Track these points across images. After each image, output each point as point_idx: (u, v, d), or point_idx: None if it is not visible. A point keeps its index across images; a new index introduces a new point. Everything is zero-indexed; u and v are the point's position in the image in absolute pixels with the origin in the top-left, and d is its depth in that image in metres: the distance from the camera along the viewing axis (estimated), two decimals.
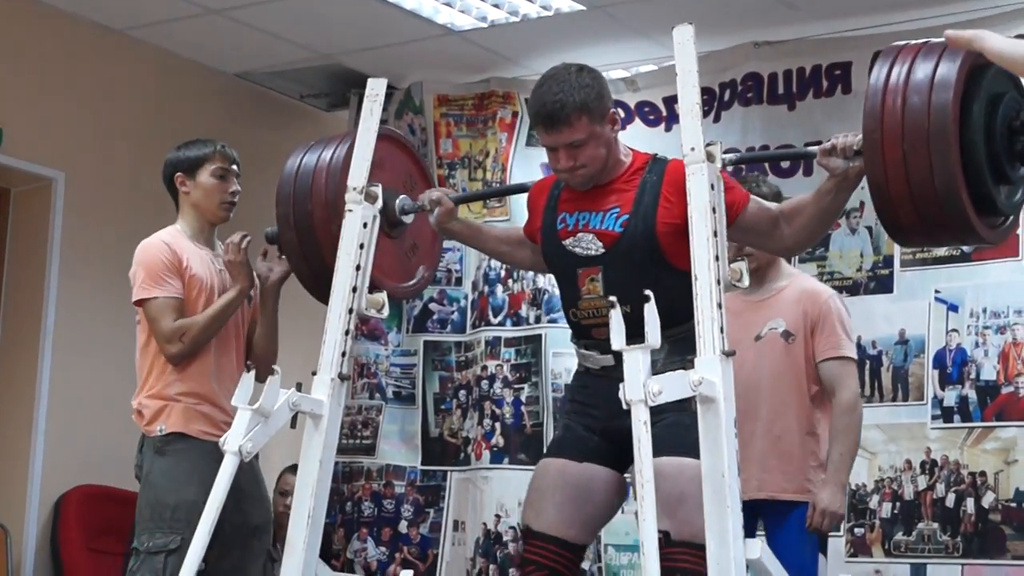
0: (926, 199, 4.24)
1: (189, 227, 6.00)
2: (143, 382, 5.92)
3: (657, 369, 4.28)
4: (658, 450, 4.31)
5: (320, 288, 5.20)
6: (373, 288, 5.18)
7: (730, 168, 4.74)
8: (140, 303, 5.84)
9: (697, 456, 4.28)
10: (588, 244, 4.90)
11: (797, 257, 7.36)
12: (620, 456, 4.90)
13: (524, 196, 6.93)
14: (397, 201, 5.41)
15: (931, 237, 4.60)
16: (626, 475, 4.98)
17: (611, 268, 4.81)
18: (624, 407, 4.14)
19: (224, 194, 5.99)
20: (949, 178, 4.20)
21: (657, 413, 4.19)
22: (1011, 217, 4.60)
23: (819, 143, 7.26)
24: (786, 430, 5.83)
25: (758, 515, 5.62)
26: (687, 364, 4.29)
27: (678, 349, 4.43)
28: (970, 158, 4.25)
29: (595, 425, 4.97)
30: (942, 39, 4.26)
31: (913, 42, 4.47)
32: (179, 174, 6.02)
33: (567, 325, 5.10)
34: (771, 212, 4.84)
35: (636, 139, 7.88)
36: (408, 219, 5.46)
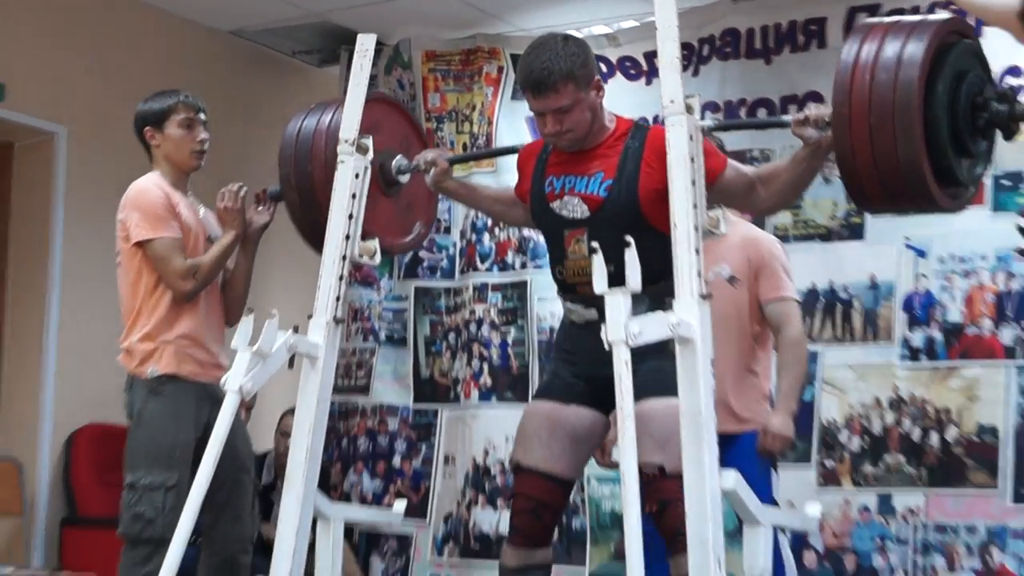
0: (890, 170, 4.29)
1: (166, 176, 6.01)
2: (132, 323, 5.95)
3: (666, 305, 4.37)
4: (646, 393, 4.49)
5: (319, 242, 5.20)
6: (366, 237, 5.20)
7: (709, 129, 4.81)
8: (141, 244, 5.85)
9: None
10: (574, 207, 4.96)
11: None
12: (604, 400, 4.89)
13: (509, 139, 7.09)
14: (393, 161, 5.47)
15: (894, 205, 4.59)
16: (611, 416, 5.02)
17: (595, 230, 4.84)
18: (607, 347, 4.17)
19: (193, 143, 6.02)
20: (912, 151, 4.24)
21: (640, 359, 4.23)
22: (972, 188, 4.65)
23: (795, 96, 7.47)
24: (729, 369, 5.89)
25: None
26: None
27: (658, 304, 4.44)
28: (933, 132, 4.29)
29: (580, 373, 5.05)
30: (914, 18, 4.41)
31: (884, 20, 4.50)
32: (148, 128, 6.06)
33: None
34: (748, 176, 4.90)
35: (618, 93, 7.93)
36: (404, 179, 5.51)
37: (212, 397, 5.29)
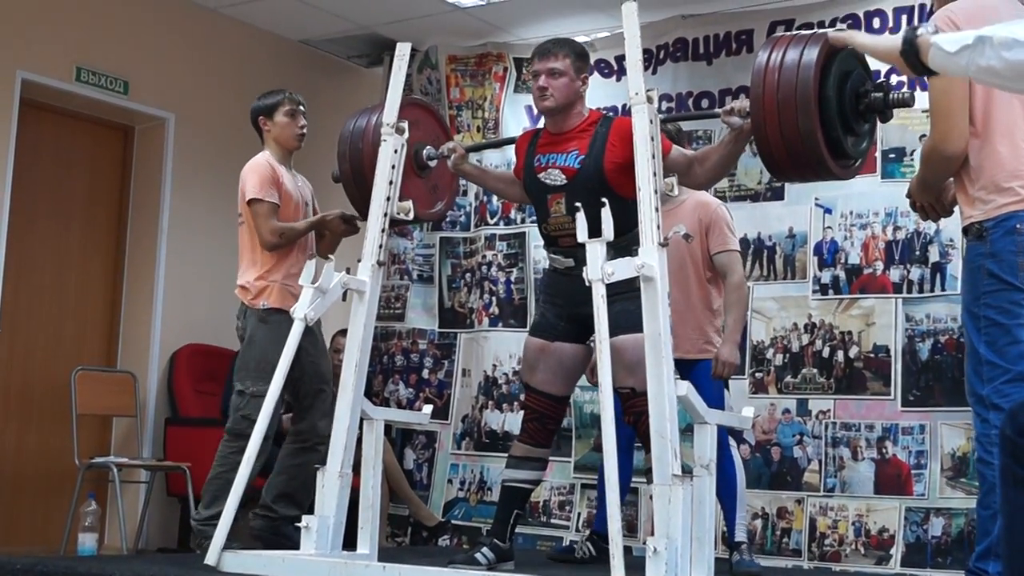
0: (793, 146, 4.38)
1: (274, 154, 6.16)
2: (249, 266, 6.07)
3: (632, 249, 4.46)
4: (617, 330, 4.56)
5: (365, 207, 5.29)
6: (402, 200, 5.31)
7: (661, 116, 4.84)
8: (251, 202, 5.97)
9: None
10: (555, 177, 5.08)
11: None
12: (582, 333, 5.13)
13: (512, 123, 7.18)
14: (425, 150, 5.56)
15: (798, 173, 4.69)
16: (589, 342, 5.12)
17: (571, 194, 4.94)
18: (586, 284, 4.22)
19: (295, 128, 6.20)
20: (810, 131, 4.34)
21: (611, 302, 4.26)
22: (859, 160, 4.71)
23: (729, 90, 7.44)
24: (689, 307, 5.94)
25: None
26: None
27: (623, 253, 4.44)
28: (826, 116, 4.39)
29: (562, 313, 5.16)
30: (809, 32, 4.55)
31: (788, 33, 4.66)
32: (261, 117, 6.23)
33: None
34: (687, 156, 5.00)
35: (594, 88, 7.82)
36: (433, 164, 5.60)
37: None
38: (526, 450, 5.21)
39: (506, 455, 5.36)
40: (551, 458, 5.69)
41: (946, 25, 4.11)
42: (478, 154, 7.24)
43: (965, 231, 4.19)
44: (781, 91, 4.35)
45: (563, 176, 5.05)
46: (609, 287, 4.23)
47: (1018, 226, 4.00)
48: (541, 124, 5.35)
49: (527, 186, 5.26)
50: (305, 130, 6.23)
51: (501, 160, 7.81)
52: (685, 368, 5.73)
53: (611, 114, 5.51)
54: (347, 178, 5.58)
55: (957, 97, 4.11)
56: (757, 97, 4.42)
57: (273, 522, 5.99)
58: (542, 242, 5.26)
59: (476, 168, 5.74)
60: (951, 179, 4.34)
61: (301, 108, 6.24)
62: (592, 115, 5.16)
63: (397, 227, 7.13)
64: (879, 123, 4.72)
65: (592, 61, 7.92)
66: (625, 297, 4.62)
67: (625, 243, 4.53)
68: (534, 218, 5.63)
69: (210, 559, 4.74)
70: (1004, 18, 4.16)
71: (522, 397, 5.58)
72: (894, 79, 6.68)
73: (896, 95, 4.48)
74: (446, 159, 5.48)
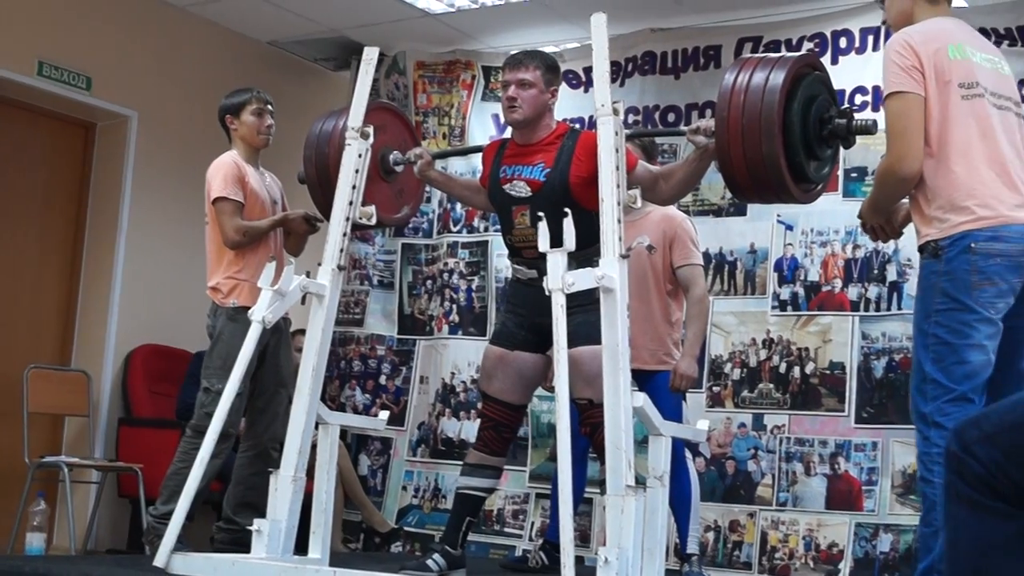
0: (756, 169, 4.39)
1: (241, 153, 6.21)
2: (217, 265, 6.13)
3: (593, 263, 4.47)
4: (576, 341, 4.54)
5: (330, 211, 5.24)
6: (365, 205, 5.30)
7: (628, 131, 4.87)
8: (216, 200, 6.02)
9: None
10: (520, 188, 5.09)
11: None
12: (542, 343, 5.10)
13: (478, 131, 7.19)
14: (391, 155, 5.56)
15: (760, 196, 4.69)
16: (549, 352, 5.09)
17: (536, 206, 4.93)
18: (547, 293, 4.22)
19: (262, 126, 6.25)
20: (773, 155, 4.35)
21: (571, 314, 4.27)
22: (820, 185, 4.74)
23: (696, 104, 7.50)
24: (649, 317, 5.96)
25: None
26: None
27: (585, 264, 4.42)
28: (789, 139, 4.39)
29: (523, 322, 5.17)
30: (777, 55, 4.63)
31: (756, 55, 4.65)
32: (228, 115, 6.28)
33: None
34: (653, 172, 5.03)
35: (562, 98, 7.79)
36: (399, 169, 5.59)
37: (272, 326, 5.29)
38: (481, 458, 5.22)
39: (461, 463, 5.38)
40: (506, 467, 5.72)
41: (904, 49, 4.19)
42: (444, 161, 7.27)
43: (921, 249, 4.21)
44: (746, 113, 4.36)
45: (528, 188, 5.07)
46: (570, 298, 4.23)
47: (972, 245, 4.03)
48: (508, 134, 5.36)
49: (492, 196, 5.27)
50: (272, 129, 6.27)
51: (467, 168, 7.84)
52: (643, 379, 5.77)
53: (578, 127, 5.52)
54: (312, 182, 5.58)
55: (913, 119, 4.14)
56: (722, 119, 4.43)
57: (237, 534, 5.96)
58: (505, 251, 5.29)
59: (442, 175, 5.73)
60: (902, 200, 4.38)
61: (269, 107, 6.27)
62: (560, 128, 5.17)
63: (359, 231, 7.17)
64: (842, 148, 4.75)
65: (560, 72, 8.00)
66: (586, 309, 4.63)
67: (588, 255, 4.53)
68: (497, 227, 5.66)
69: (159, 561, 4.71)
70: (957, 40, 4.25)
71: (479, 405, 5.61)
72: (859, 99, 6.77)
73: (859, 122, 4.51)
74: (412, 164, 5.48)
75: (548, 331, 4.34)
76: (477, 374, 7.76)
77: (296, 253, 6.23)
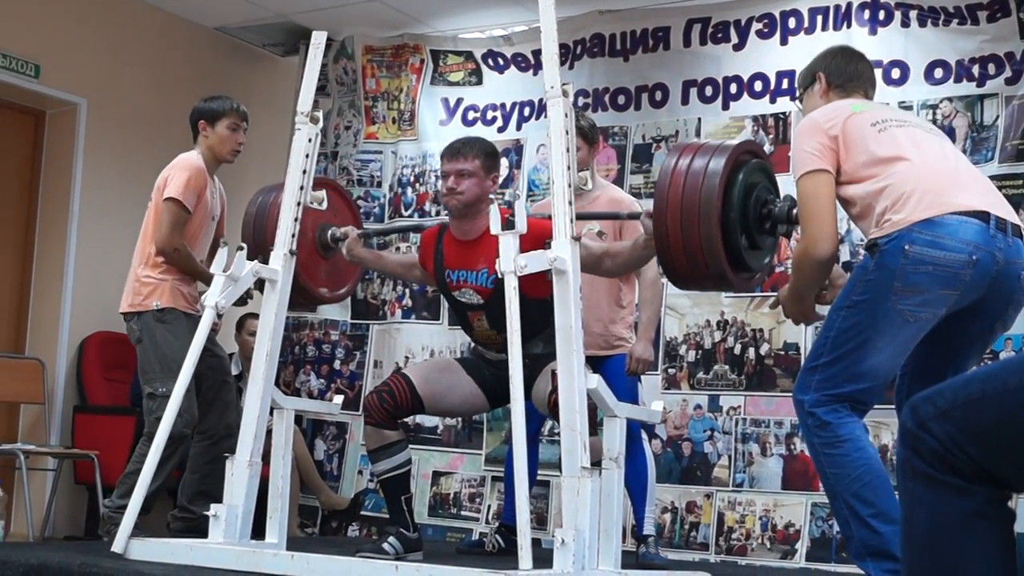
0: (695, 260, 4.32)
1: (204, 160, 6.10)
2: (146, 258, 6.04)
3: (540, 356, 5.00)
4: (543, 363, 4.97)
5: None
6: (309, 270, 5.52)
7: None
8: (169, 199, 5.93)
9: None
10: (471, 297, 5.20)
11: (630, 168, 7.41)
12: (496, 397, 5.30)
13: (428, 115, 7.13)
14: (329, 231, 5.60)
15: (699, 285, 4.59)
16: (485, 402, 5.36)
17: (490, 310, 5.09)
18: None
19: (234, 144, 6.16)
20: (712, 246, 4.27)
21: (536, 367, 4.66)
22: (761, 273, 4.75)
23: (645, 86, 7.48)
24: (599, 303, 5.94)
25: None
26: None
27: (549, 341, 4.51)
28: (729, 230, 4.32)
29: (489, 378, 5.27)
30: (717, 142, 4.49)
31: (696, 141, 4.67)
32: (202, 121, 6.16)
33: None
34: (599, 249, 5.03)
35: (512, 81, 8.00)
36: (337, 245, 5.61)
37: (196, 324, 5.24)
38: (379, 439, 5.20)
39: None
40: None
41: (808, 132, 4.16)
42: (394, 142, 7.19)
43: (867, 248, 4.13)
44: (685, 200, 4.28)
45: (479, 296, 5.15)
46: (535, 357, 4.68)
47: (907, 247, 3.89)
48: (444, 210, 5.33)
49: (446, 298, 5.40)
50: (242, 148, 6.21)
51: (416, 152, 7.84)
52: (597, 364, 5.76)
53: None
54: (248, 227, 5.58)
55: (823, 198, 4.07)
56: (660, 208, 4.35)
57: (192, 522, 5.95)
58: None
59: (372, 253, 5.76)
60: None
61: (244, 124, 6.20)
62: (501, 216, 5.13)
63: None
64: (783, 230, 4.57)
65: (509, 55, 8.01)
66: (548, 358, 4.76)
67: (550, 332, 4.44)
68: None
69: (117, 547, 4.71)
70: (858, 104, 4.27)
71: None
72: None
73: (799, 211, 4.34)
74: (340, 244, 5.54)
75: (506, 393, 4.29)
76: (431, 358, 7.76)
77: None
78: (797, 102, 4.68)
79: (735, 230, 4.33)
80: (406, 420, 5.38)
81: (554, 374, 4.79)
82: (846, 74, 4.47)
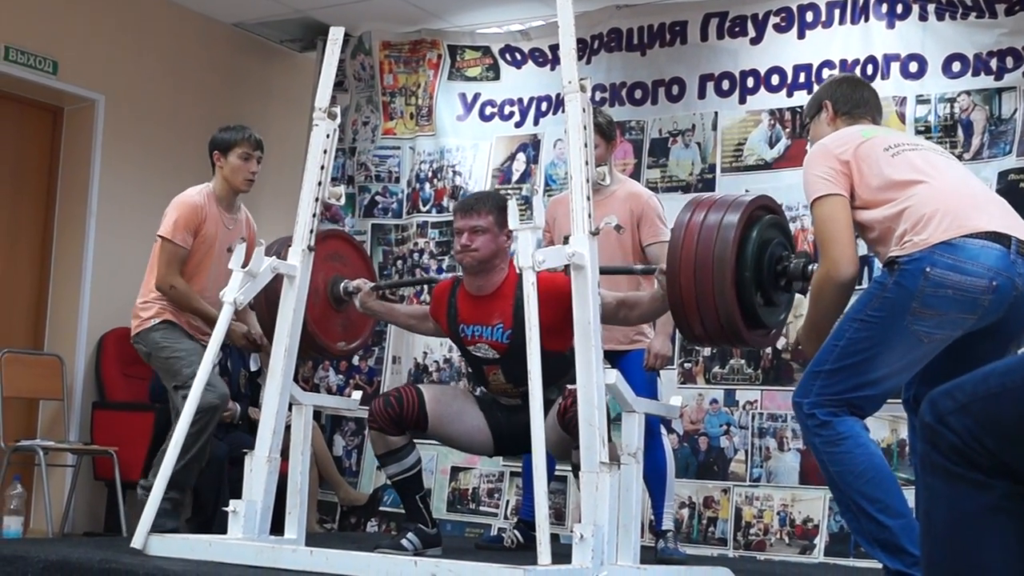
0: (709, 318, 4.29)
1: (218, 190, 6.19)
2: (147, 292, 6.13)
3: (553, 401, 4.91)
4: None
5: (273, 332, 5.15)
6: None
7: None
8: (161, 238, 6.02)
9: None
10: (486, 351, 5.17)
11: (647, 162, 7.40)
12: (501, 443, 5.35)
13: (446, 111, 7.10)
14: (342, 284, 5.59)
15: (713, 343, 4.69)
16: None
17: (506, 364, 5.11)
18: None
19: (246, 172, 6.18)
20: (726, 304, 4.25)
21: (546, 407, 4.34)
22: (775, 330, 4.67)
23: (662, 80, 7.46)
24: None
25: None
26: None
27: (561, 391, 4.72)
28: (743, 290, 4.30)
29: (500, 422, 5.30)
30: (733, 196, 4.48)
31: (711, 195, 4.58)
32: (216, 151, 6.20)
33: None
34: (616, 299, 4.94)
35: (530, 76, 8.00)
36: (349, 298, 5.60)
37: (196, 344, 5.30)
38: (385, 445, 5.22)
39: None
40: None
41: (819, 157, 4.16)
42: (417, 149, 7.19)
43: (886, 264, 4.10)
44: (699, 258, 4.26)
45: (494, 351, 5.13)
46: (548, 403, 4.54)
47: (928, 270, 3.86)
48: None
49: (462, 352, 5.38)
50: (255, 176, 6.22)
51: (435, 148, 7.83)
52: (615, 359, 5.75)
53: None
54: (261, 308, 5.51)
55: (840, 221, 4.06)
56: (674, 266, 4.33)
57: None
58: None
59: (384, 306, 5.68)
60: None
61: (258, 153, 6.22)
62: (511, 274, 5.10)
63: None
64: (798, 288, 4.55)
65: (526, 50, 8.01)
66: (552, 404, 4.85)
67: (567, 381, 4.55)
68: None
69: (136, 542, 4.72)
70: (868, 129, 4.26)
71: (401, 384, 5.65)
72: (826, 72, 6.76)
73: (814, 267, 4.33)
74: (353, 297, 5.53)
75: (518, 442, 4.43)
76: (449, 353, 7.77)
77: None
78: (805, 132, 4.69)
79: (749, 288, 4.31)
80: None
81: (565, 388, 4.83)
82: (852, 101, 4.49)
